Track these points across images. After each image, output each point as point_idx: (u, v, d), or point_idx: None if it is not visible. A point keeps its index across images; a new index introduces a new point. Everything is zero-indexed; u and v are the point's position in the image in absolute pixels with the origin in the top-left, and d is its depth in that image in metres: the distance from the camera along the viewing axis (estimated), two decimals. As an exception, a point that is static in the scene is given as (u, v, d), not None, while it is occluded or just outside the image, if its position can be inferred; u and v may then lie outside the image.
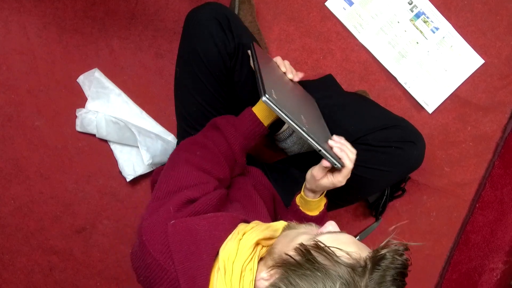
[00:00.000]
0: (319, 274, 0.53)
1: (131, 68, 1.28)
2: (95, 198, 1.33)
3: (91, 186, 1.33)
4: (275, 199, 1.05)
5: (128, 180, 1.29)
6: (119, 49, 1.27)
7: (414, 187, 1.39)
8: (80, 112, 1.26)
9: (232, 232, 0.71)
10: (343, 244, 0.57)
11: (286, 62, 0.99)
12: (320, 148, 0.80)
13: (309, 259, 0.55)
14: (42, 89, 1.28)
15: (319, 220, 0.94)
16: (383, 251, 0.54)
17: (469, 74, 1.34)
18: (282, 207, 1.06)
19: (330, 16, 1.30)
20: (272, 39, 1.29)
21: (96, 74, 1.26)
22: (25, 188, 1.32)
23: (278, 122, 1.06)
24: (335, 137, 0.85)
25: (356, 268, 0.53)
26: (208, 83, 0.97)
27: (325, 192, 0.92)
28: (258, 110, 0.90)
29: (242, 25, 0.99)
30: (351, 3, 1.29)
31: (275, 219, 1.01)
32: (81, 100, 1.28)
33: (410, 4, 1.30)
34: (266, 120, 0.91)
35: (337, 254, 0.54)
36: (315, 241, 0.57)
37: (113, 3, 1.25)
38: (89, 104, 1.27)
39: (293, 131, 1.14)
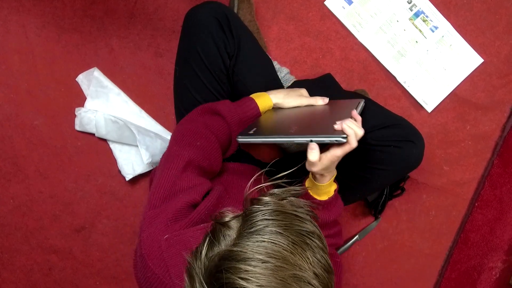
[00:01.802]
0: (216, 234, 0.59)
1: (130, 67, 1.28)
2: (94, 197, 1.33)
3: (90, 185, 1.33)
4: None
5: (127, 179, 1.29)
6: (118, 48, 1.27)
7: (413, 186, 1.39)
8: (79, 111, 1.26)
9: None
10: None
11: (313, 99, 1.02)
12: (310, 139, 0.80)
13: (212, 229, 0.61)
14: (41, 88, 1.28)
15: (329, 206, 0.92)
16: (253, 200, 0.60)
17: (468, 73, 1.34)
18: None
19: (329, 15, 1.30)
20: (271, 38, 1.29)
21: (95, 73, 1.26)
22: (24, 187, 1.32)
23: None
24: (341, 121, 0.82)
25: (235, 221, 0.60)
26: (207, 82, 0.97)
27: (334, 177, 0.90)
28: (261, 102, 0.95)
29: (241, 24, 0.99)
30: (350, 2, 1.29)
31: None
32: (80, 99, 1.28)
33: (409, 3, 1.30)
34: (262, 112, 0.96)
35: (226, 220, 0.60)
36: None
37: (112, 2, 1.25)
38: (88, 103, 1.27)
39: None
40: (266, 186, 0.86)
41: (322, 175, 0.86)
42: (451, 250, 1.45)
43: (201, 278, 0.55)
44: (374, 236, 1.42)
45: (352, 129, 0.79)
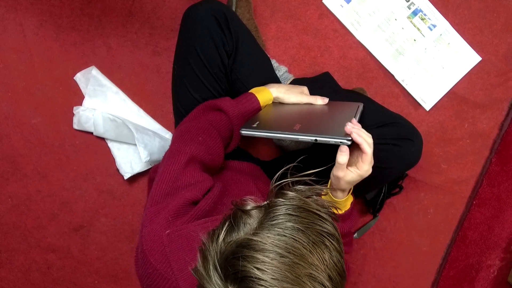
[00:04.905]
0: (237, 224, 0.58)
1: (129, 66, 1.28)
2: (93, 196, 1.33)
3: (88, 184, 1.33)
4: None
5: (125, 178, 1.28)
6: (116, 46, 1.27)
7: (411, 184, 1.39)
8: (77, 110, 1.26)
9: None
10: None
11: (313, 97, 1.03)
12: (315, 138, 0.80)
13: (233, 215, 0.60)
14: (39, 87, 1.28)
15: (344, 219, 0.92)
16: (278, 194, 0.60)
17: (466, 71, 1.34)
18: None
19: (328, 14, 1.30)
20: (269, 37, 1.29)
21: (93, 71, 1.25)
22: (22, 186, 1.32)
23: None
24: (350, 123, 0.83)
25: (257, 210, 0.59)
26: (205, 80, 0.97)
27: (351, 190, 0.90)
28: (261, 96, 0.96)
29: (240, 22, 0.99)
30: (348, 1, 1.29)
31: None
32: (78, 98, 1.28)
33: (407, 1, 1.30)
34: (262, 106, 0.97)
35: (248, 208, 0.59)
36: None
37: (110, 1, 1.25)
38: (86, 102, 1.26)
39: None
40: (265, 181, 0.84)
41: (343, 190, 0.87)
42: (449, 248, 1.45)
43: (216, 261, 0.54)
44: (372, 234, 1.42)
45: (363, 138, 0.80)
